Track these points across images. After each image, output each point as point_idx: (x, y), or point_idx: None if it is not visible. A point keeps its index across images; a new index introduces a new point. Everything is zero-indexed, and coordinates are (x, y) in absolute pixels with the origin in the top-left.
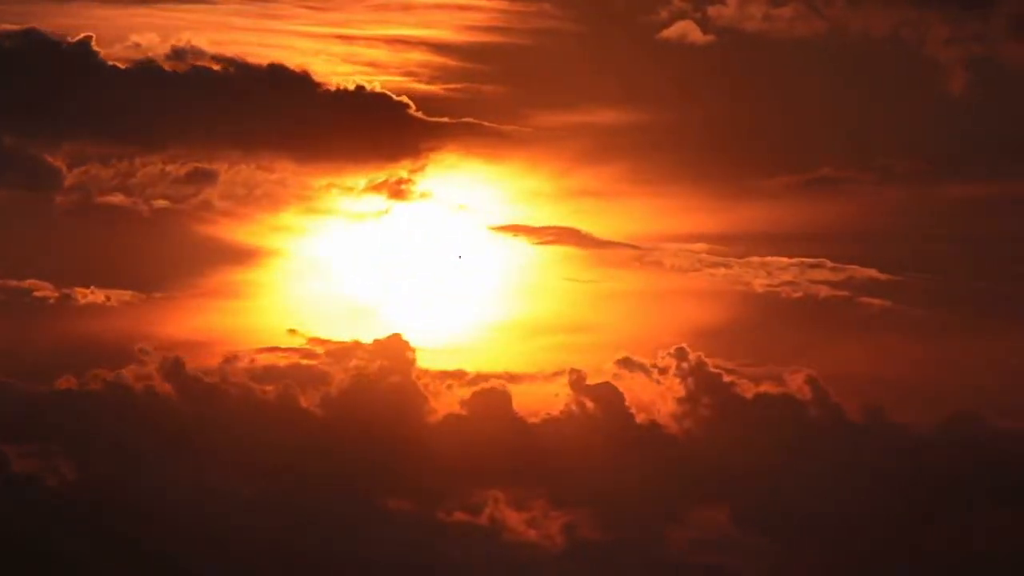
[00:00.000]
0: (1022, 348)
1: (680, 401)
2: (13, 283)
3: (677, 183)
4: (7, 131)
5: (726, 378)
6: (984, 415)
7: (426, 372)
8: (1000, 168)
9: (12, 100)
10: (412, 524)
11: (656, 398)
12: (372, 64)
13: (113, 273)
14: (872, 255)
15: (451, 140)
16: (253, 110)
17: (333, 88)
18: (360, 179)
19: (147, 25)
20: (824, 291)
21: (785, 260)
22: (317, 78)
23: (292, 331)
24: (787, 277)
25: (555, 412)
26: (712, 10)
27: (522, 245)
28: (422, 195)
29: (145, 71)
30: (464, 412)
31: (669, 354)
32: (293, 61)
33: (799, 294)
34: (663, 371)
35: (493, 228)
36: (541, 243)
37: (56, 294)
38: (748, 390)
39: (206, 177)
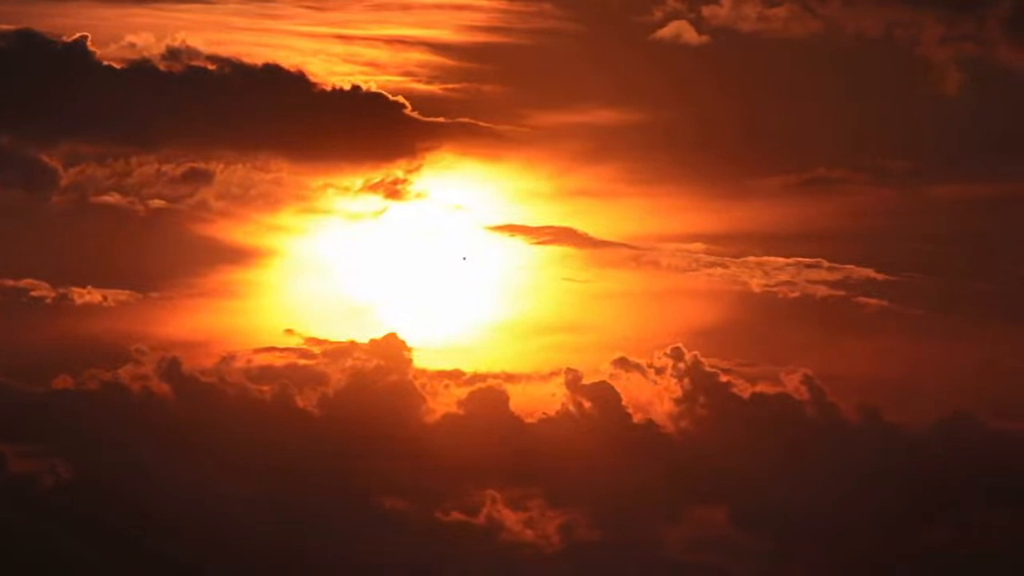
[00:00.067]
0: (1019, 348)
1: (677, 401)
2: (10, 283)
3: (674, 183)
4: (3, 131)
5: (723, 378)
6: (980, 415)
7: (423, 372)
8: (995, 168)
9: (8, 100)
10: (409, 524)
11: (653, 398)
12: (371, 64)
13: (110, 273)
14: (869, 255)
15: (447, 140)
16: (248, 110)
17: (329, 88)
18: (356, 179)
19: (143, 25)
20: (821, 291)
21: (782, 260)
22: (313, 78)
23: (289, 331)
24: (784, 277)
25: (552, 412)
26: (706, 10)
27: (519, 245)
28: (418, 195)
29: (141, 71)
30: (461, 412)
31: (666, 354)
32: (292, 61)
33: (796, 294)
34: (660, 371)
35: (490, 228)
36: (538, 243)
37: (53, 294)
38: (745, 390)
39: (202, 177)
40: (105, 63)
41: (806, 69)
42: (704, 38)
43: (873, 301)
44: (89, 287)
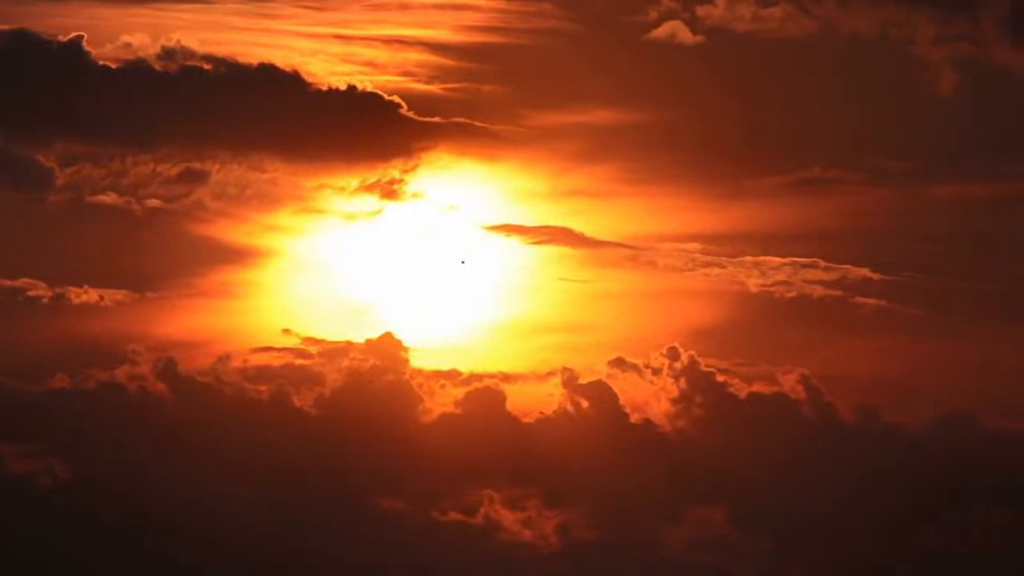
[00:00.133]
0: (1017, 348)
1: (674, 401)
2: (7, 282)
3: (670, 183)
4: None
5: (719, 378)
6: (978, 415)
7: (420, 372)
8: (991, 168)
9: (3, 100)
10: (406, 524)
11: (650, 398)
12: (370, 64)
13: (107, 273)
14: (865, 255)
15: (443, 140)
16: (244, 110)
17: (324, 88)
18: (352, 179)
19: (142, 25)
20: (818, 291)
21: (778, 260)
22: (308, 78)
23: (286, 331)
24: (781, 277)
25: (549, 412)
26: (701, 10)
27: (516, 245)
28: (414, 195)
29: (136, 71)
30: (458, 412)
31: (662, 354)
32: (290, 61)
33: (793, 294)
34: (656, 371)
35: (486, 228)
36: (535, 243)
37: (50, 293)
38: (742, 390)
39: (198, 177)
40: (101, 63)
41: (801, 69)
42: (699, 38)
43: (870, 301)
44: (86, 287)
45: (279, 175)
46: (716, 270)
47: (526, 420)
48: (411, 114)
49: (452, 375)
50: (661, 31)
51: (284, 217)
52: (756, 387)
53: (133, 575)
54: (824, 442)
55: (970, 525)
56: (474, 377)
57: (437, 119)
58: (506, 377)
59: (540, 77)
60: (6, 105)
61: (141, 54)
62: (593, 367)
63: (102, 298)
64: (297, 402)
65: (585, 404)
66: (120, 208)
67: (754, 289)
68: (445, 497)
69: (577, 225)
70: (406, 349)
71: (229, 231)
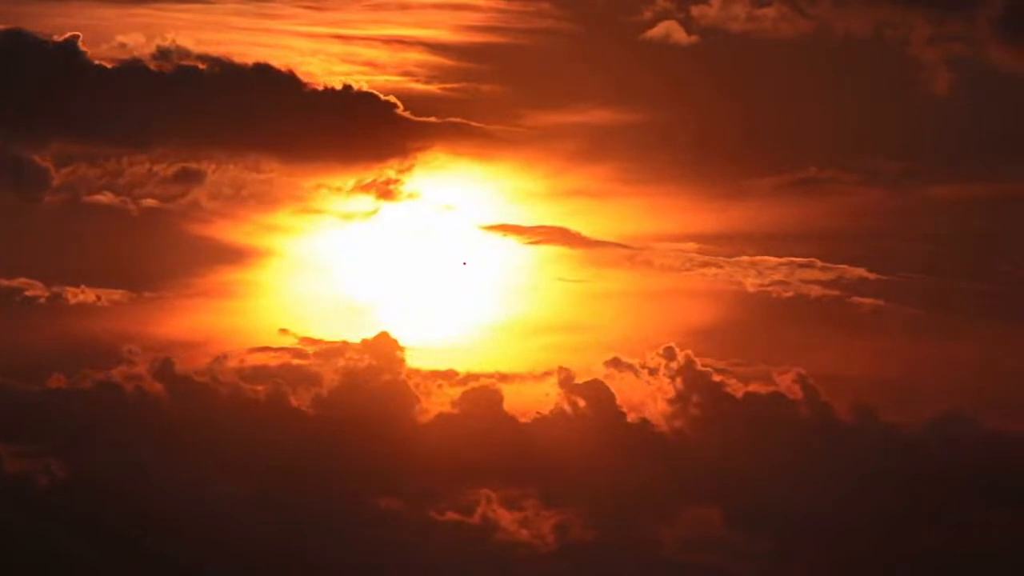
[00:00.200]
0: (1013, 347)
1: (671, 401)
2: (3, 282)
3: (667, 183)
4: None
5: (716, 377)
6: (974, 415)
7: (417, 372)
8: (987, 168)
9: None
10: (404, 524)
11: (647, 398)
12: (369, 64)
13: (103, 272)
14: (862, 255)
15: (439, 140)
16: (239, 110)
17: (320, 88)
18: (348, 179)
19: (141, 25)
20: (815, 291)
21: (775, 260)
22: (304, 77)
23: (283, 331)
24: (778, 277)
25: (546, 411)
26: (696, 10)
27: (512, 245)
28: (410, 195)
29: (131, 71)
30: (455, 412)
31: (659, 354)
32: (290, 61)
33: (790, 294)
34: (653, 371)
35: (483, 228)
36: (531, 243)
37: (46, 293)
38: (738, 389)
39: (194, 177)
40: (96, 63)
41: (796, 69)
42: (693, 38)
43: (867, 301)
44: (83, 287)
45: (275, 175)
46: (713, 270)
47: (523, 420)
48: (407, 114)
49: (449, 375)
50: (656, 31)
51: (281, 217)
52: (753, 387)
53: (130, 574)
54: (821, 442)
55: (966, 525)
56: (471, 377)
57: (433, 119)
58: (503, 377)
59: (539, 77)
60: (1, 105)
61: (136, 54)
62: (590, 367)
63: (99, 298)
64: (294, 402)
65: (582, 404)
66: (116, 208)
67: (751, 289)
68: (442, 497)
69: (574, 225)
70: (402, 349)
71: (225, 231)
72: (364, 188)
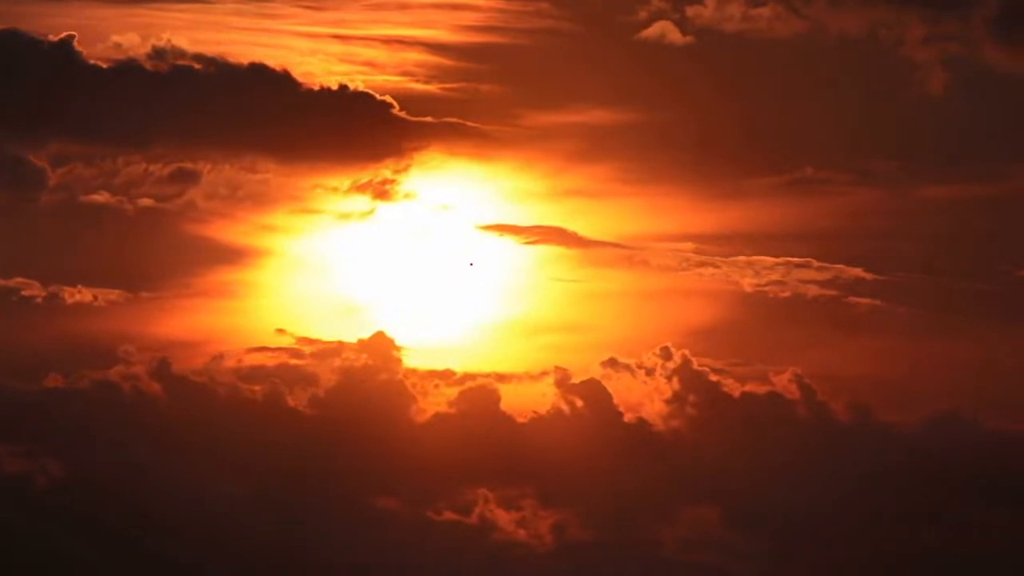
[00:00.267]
0: (1009, 347)
1: (667, 401)
2: (0, 282)
3: (664, 183)
4: None
5: (712, 377)
6: (972, 415)
7: (414, 371)
8: (983, 168)
9: None
10: (401, 524)
11: (644, 398)
12: (369, 64)
13: (100, 272)
14: (858, 255)
15: (435, 140)
16: (234, 110)
17: (316, 87)
18: (344, 179)
19: (140, 25)
20: (812, 291)
21: (771, 260)
22: (299, 77)
23: (280, 331)
24: (775, 276)
25: (543, 411)
26: (690, 10)
27: (510, 245)
28: (407, 195)
29: (127, 71)
30: (452, 411)
31: (655, 354)
32: (289, 61)
33: (787, 294)
34: (650, 371)
35: (481, 228)
36: (529, 243)
37: (43, 293)
38: (735, 389)
39: (190, 177)
40: (92, 63)
41: (791, 70)
42: (688, 38)
43: (864, 300)
44: (80, 286)
45: (271, 175)
46: (710, 270)
47: (520, 420)
48: (402, 114)
49: (446, 375)
50: (651, 31)
51: (277, 217)
52: (750, 387)
53: (128, 574)
54: (818, 442)
55: (963, 524)
56: (468, 377)
57: (428, 119)
58: (500, 377)
59: (538, 77)
60: None
61: (132, 54)
62: (587, 367)
63: (96, 298)
64: (291, 402)
65: (579, 404)
66: (113, 208)
67: (748, 289)
68: (440, 497)
69: (571, 225)
70: (399, 348)
71: (222, 231)
72: (360, 188)
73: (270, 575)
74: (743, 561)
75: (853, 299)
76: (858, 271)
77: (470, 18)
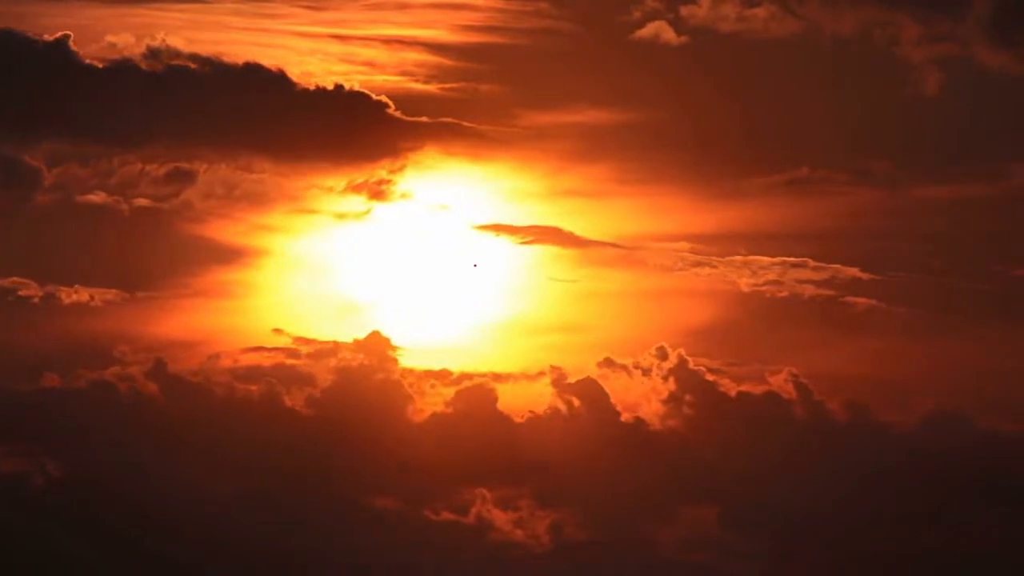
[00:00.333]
0: (1007, 347)
1: (664, 400)
2: None
3: (660, 183)
4: None
5: (709, 377)
6: (968, 414)
7: (411, 371)
8: (978, 168)
9: None
10: (399, 523)
11: (640, 398)
12: (368, 64)
13: (97, 272)
14: (855, 254)
15: (431, 140)
16: (230, 110)
17: (311, 87)
18: (340, 179)
19: (138, 25)
20: (809, 290)
21: (768, 260)
22: (295, 77)
23: (277, 330)
24: (771, 276)
25: (540, 411)
26: (685, 10)
27: (506, 245)
28: (403, 195)
29: (122, 71)
30: (449, 411)
31: (652, 354)
32: (288, 61)
33: (784, 293)
34: (646, 371)
35: (477, 228)
36: (525, 243)
37: (40, 293)
38: (732, 389)
39: (186, 177)
40: (87, 62)
41: (786, 70)
42: (683, 38)
43: (860, 300)
44: (76, 286)
45: (267, 175)
46: (707, 270)
47: (517, 420)
48: (398, 114)
49: (443, 375)
50: (646, 31)
51: (273, 217)
52: (746, 386)
53: (125, 573)
54: (814, 441)
55: (960, 523)
56: (465, 376)
57: (424, 119)
58: (497, 376)
59: (537, 77)
60: None
61: (127, 54)
62: (584, 366)
63: (92, 298)
64: (288, 402)
65: (576, 403)
66: (109, 208)
67: (745, 289)
68: (437, 497)
69: (568, 225)
70: (395, 348)
71: (218, 231)
72: (356, 188)
73: (267, 574)
74: (741, 561)
75: (850, 299)
76: (855, 271)
77: (469, 18)
